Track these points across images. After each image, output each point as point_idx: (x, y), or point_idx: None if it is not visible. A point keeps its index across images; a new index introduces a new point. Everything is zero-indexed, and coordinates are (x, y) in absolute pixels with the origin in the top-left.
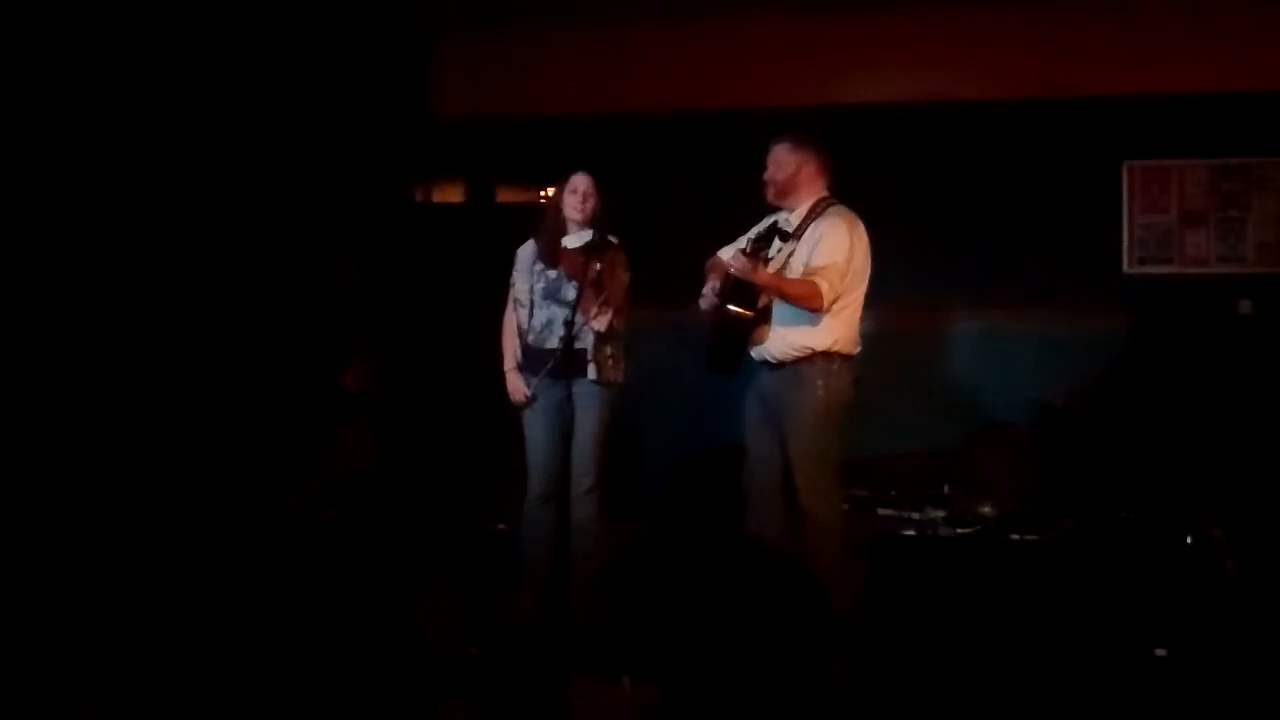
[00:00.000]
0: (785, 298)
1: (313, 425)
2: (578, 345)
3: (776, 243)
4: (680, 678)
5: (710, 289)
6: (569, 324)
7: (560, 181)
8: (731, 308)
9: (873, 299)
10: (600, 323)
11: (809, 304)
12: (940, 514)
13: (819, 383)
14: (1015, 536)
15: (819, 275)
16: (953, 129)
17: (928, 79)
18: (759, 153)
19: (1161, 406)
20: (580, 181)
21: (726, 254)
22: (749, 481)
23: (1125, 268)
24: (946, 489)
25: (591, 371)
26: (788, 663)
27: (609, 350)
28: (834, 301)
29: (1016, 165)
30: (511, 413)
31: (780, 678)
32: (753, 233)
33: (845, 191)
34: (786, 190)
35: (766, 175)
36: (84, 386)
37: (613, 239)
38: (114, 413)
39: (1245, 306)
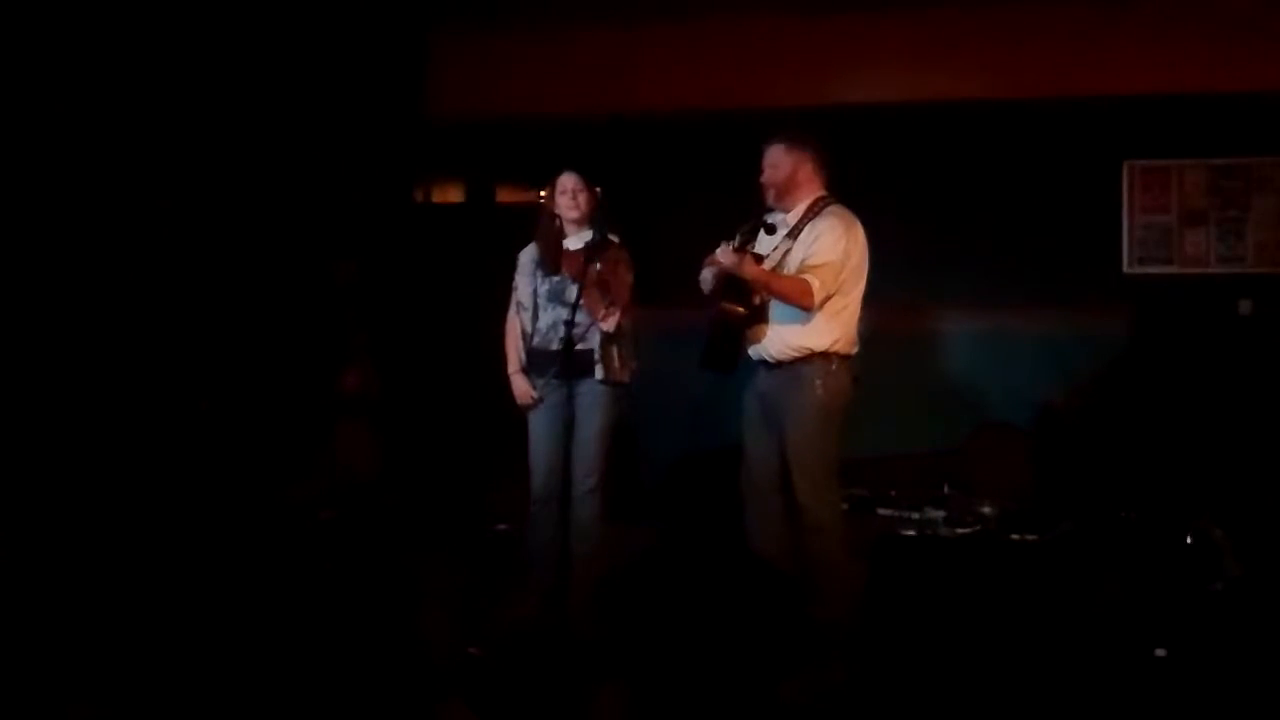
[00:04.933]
0: (775, 294)
1: (313, 425)
2: (583, 346)
3: (764, 237)
4: (676, 680)
5: (711, 274)
6: (568, 324)
7: (550, 185)
8: (725, 304)
9: (873, 299)
10: (609, 323)
11: (799, 301)
12: (940, 514)
13: (817, 382)
14: (1015, 536)
15: (812, 273)
16: (952, 129)
17: (928, 79)
18: (760, 152)
19: (1161, 406)
20: (567, 181)
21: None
22: (747, 481)
23: (1125, 268)
24: (946, 489)
25: (599, 372)
26: (783, 665)
27: (616, 350)
28: (825, 300)
29: (1016, 165)
30: (512, 413)
31: (776, 680)
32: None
33: (845, 191)
34: (784, 191)
35: (764, 178)
36: (85, 387)
37: (613, 237)
38: (114, 413)
39: (1245, 306)
